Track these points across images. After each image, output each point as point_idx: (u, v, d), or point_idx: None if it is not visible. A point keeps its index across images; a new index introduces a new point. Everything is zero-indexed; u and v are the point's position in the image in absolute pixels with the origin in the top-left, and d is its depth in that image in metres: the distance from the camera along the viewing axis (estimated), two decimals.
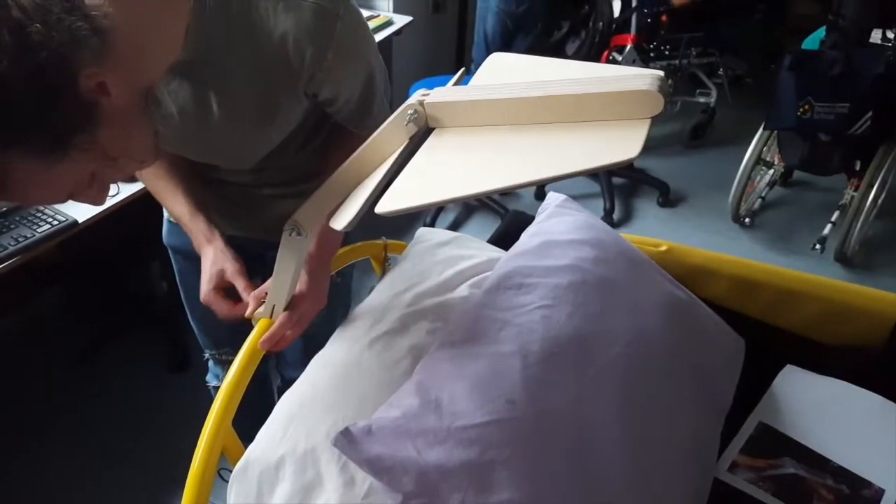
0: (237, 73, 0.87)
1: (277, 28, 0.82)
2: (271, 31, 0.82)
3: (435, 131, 0.74)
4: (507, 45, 3.25)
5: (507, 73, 0.80)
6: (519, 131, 0.66)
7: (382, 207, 0.66)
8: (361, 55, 0.93)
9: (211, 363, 1.49)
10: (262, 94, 0.90)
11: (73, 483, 1.89)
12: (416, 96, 0.73)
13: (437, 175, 0.67)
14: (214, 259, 1.02)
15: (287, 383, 1.52)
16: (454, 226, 3.00)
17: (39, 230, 1.58)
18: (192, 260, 1.13)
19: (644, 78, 0.62)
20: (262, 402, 1.19)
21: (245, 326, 1.01)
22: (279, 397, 1.47)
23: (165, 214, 1.29)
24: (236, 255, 1.03)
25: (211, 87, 0.89)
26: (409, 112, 0.72)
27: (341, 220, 0.72)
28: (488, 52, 3.91)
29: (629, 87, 0.61)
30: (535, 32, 3.30)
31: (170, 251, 1.34)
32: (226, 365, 1.44)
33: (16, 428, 2.05)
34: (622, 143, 0.58)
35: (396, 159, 0.74)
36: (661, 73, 0.65)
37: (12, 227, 1.58)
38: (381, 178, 0.72)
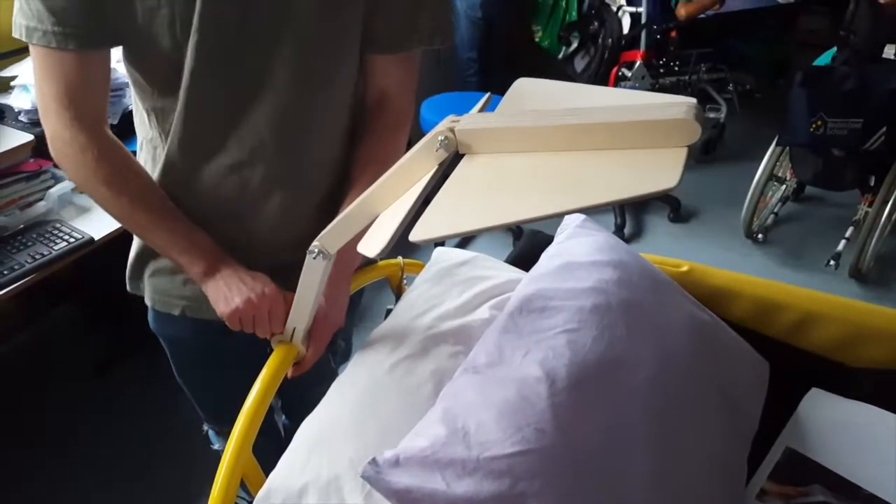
0: None
1: None
2: None
3: (466, 157, 0.73)
4: (479, 49, 3.43)
5: (534, 99, 0.79)
6: (552, 158, 0.66)
7: (416, 236, 0.65)
8: None
9: (211, 433, 1.42)
10: None
11: (84, 497, 1.88)
12: (446, 122, 0.72)
13: (471, 203, 0.66)
14: (239, 288, 0.99)
15: (287, 405, 1.47)
16: (463, 242, 2.99)
17: (56, 248, 1.57)
18: (185, 349, 1.18)
19: (679, 106, 0.61)
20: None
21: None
22: (280, 418, 1.42)
23: (149, 302, 1.17)
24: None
25: None
26: (439, 139, 0.72)
27: (374, 247, 0.71)
28: (461, 55, 3.97)
29: (666, 115, 0.60)
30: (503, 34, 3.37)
31: (159, 338, 1.25)
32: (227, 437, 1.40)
33: (30, 441, 2.05)
34: (660, 172, 0.57)
35: (426, 185, 0.73)
36: (694, 100, 0.64)
37: (29, 244, 1.58)
38: (411, 203, 0.71)
